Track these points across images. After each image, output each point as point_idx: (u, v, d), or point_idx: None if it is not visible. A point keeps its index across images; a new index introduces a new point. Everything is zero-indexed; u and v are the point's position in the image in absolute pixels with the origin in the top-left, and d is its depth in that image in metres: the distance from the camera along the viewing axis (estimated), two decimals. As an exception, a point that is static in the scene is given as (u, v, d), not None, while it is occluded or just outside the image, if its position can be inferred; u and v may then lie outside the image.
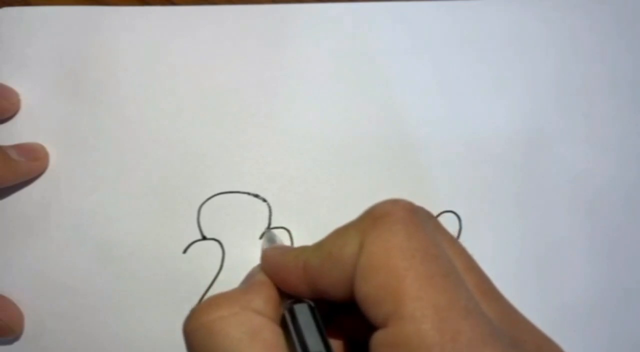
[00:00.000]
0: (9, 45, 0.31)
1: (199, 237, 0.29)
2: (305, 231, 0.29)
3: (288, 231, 0.29)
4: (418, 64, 0.32)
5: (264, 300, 0.19)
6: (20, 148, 0.29)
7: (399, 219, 0.17)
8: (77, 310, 0.28)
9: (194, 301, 0.28)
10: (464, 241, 0.29)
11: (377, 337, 0.16)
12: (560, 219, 0.30)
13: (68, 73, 0.31)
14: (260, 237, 0.29)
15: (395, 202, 0.18)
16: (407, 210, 0.18)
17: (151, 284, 0.28)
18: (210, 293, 0.28)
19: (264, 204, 0.29)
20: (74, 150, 0.30)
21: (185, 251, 0.29)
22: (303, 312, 0.19)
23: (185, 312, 0.28)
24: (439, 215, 0.29)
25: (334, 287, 0.18)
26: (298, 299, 0.20)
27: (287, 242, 0.29)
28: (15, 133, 0.30)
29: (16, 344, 0.28)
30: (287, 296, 0.20)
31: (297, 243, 0.29)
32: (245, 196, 0.29)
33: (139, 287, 0.28)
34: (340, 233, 0.19)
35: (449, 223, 0.29)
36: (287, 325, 0.19)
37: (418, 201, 0.30)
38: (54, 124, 0.30)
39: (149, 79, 0.31)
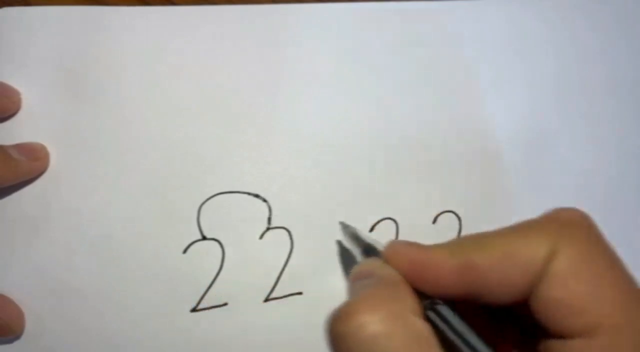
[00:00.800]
0: (9, 45, 0.31)
1: (199, 237, 0.29)
2: (305, 230, 0.29)
3: (288, 231, 0.29)
4: (418, 64, 0.32)
5: (412, 298, 0.18)
6: (21, 148, 0.29)
7: (591, 227, 0.18)
8: (77, 310, 0.28)
9: (194, 301, 0.28)
10: (464, 241, 0.29)
11: (578, 346, 0.16)
12: (560, 219, 0.30)
13: (68, 73, 0.31)
14: (261, 237, 0.29)
15: (577, 211, 0.19)
16: (589, 219, 0.18)
17: (151, 284, 0.28)
18: (211, 293, 0.28)
19: (264, 204, 0.29)
20: (74, 150, 0.30)
21: (185, 251, 0.29)
22: (451, 315, 0.18)
23: (186, 312, 0.28)
24: (439, 215, 0.29)
25: (504, 289, 0.17)
26: (433, 299, 0.19)
27: (287, 242, 0.29)
28: (15, 133, 0.30)
29: (16, 344, 0.28)
30: (420, 295, 0.19)
31: (297, 243, 0.29)
32: (245, 195, 0.29)
33: (139, 287, 0.28)
34: (519, 234, 0.18)
35: (449, 223, 0.29)
36: (438, 328, 0.18)
37: (418, 201, 0.30)
38: (54, 123, 0.30)
39: (149, 79, 0.31)
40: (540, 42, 0.32)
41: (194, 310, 0.28)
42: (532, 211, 0.31)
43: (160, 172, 0.30)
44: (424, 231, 0.29)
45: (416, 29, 0.32)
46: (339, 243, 0.28)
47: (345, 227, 0.27)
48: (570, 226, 0.18)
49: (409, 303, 0.18)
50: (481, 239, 0.18)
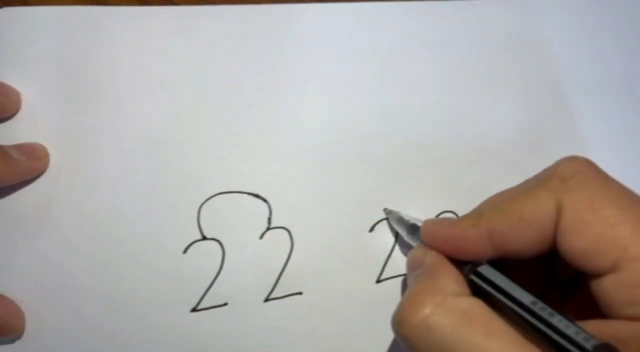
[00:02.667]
0: (9, 45, 0.31)
1: (199, 237, 0.29)
2: (305, 230, 0.29)
3: (288, 230, 0.29)
4: (418, 64, 0.32)
5: (453, 280, 0.20)
6: (21, 147, 0.29)
7: (590, 175, 0.19)
8: (77, 310, 0.28)
9: (194, 301, 0.28)
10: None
11: (608, 282, 0.18)
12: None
13: (68, 73, 0.31)
14: (261, 237, 0.29)
15: (576, 160, 0.20)
16: (591, 165, 0.20)
17: (151, 284, 0.28)
18: (211, 293, 0.28)
19: (264, 204, 0.29)
20: (74, 150, 0.30)
21: (185, 251, 0.29)
22: (492, 272, 0.20)
23: (186, 312, 0.28)
24: (439, 215, 0.29)
25: (525, 247, 0.20)
26: (474, 263, 0.21)
27: (287, 242, 0.29)
28: (15, 133, 0.30)
29: (17, 344, 0.28)
30: (459, 263, 0.21)
31: (297, 243, 0.29)
32: (245, 195, 0.29)
33: (139, 287, 0.28)
34: (528, 197, 0.20)
35: (448, 223, 0.29)
36: (481, 288, 0.20)
37: (417, 201, 0.30)
38: (54, 123, 0.30)
39: (148, 78, 0.31)
40: (540, 42, 0.32)
41: (194, 310, 0.28)
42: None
43: (160, 172, 0.30)
44: (424, 231, 0.29)
45: (416, 29, 0.32)
46: (387, 220, 0.29)
47: (389, 213, 0.29)
48: (570, 178, 0.19)
49: (449, 286, 0.20)
50: (497, 206, 0.21)
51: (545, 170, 0.20)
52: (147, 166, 0.30)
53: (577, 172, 0.19)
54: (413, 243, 0.26)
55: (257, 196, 0.29)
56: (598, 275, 0.18)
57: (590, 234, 0.18)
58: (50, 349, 0.28)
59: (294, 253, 0.29)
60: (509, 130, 0.31)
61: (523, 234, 0.19)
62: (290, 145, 0.30)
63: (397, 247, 0.29)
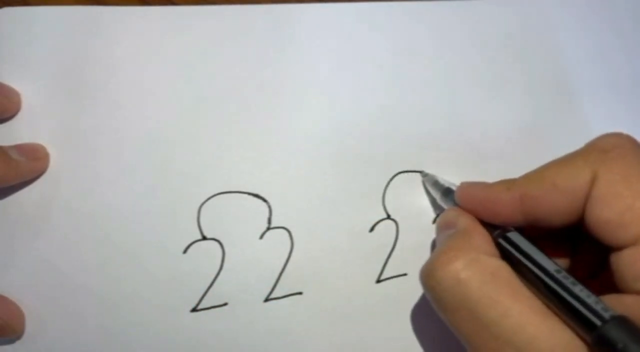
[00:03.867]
0: (9, 45, 0.31)
1: (199, 237, 0.29)
2: (306, 230, 0.29)
3: (288, 230, 0.29)
4: (418, 64, 0.32)
5: (486, 241, 0.21)
6: (21, 148, 0.29)
7: (630, 150, 0.19)
8: (77, 310, 0.28)
9: (194, 301, 0.28)
10: (464, 240, 0.29)
11: (626, 255, 0.18)
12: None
13: (68, 73, 0.31)
14: (261, 237, 0.29)
15: (618, 136, 0.20)
16: (632, 142, 0.20)
17: (151, 284, 0.28)
18: (211, 293, 0.28)
19: (264, 204, 0.29)
20: (74, 150, 0.30)
21: (185, 251, 0.29)
22: (520, 239, 0.21)
23: (186, 312, 0.28)
24: (438, 214, 0.29)
25: (555, 214, 0.20)
26: (503, 228, 0.21)
27: (287, 242, 0.29)
28: (15, 133, 0.30)
29: (17, 344, 0.28)
30: (491, 227, 0.22)
31: (297, 243, 0.29)
32: (245, 195, 0.29)
33: (139, 287, 0.28)
34: (564, 165, 0.20)
35: (449, 223, 0.29)
36: (509, 253, 0.21)
37: (418, 200, 0.30)
38: (54, 124, 0.30)
39: (148, 79, 0.31)
40: (540, 42, 0.32)
41: (194, 310, 0.28)
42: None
43: (160, 172, 0.30)
44: (424, 231, 0.29)
45: (416, 29, 0.32)
46: (423, 183, 0.30)
47: (425, 175, 0.30)
48: (609, 150, 0.19)
49: (482, 246, 0.20)
50: (533, 173, 0.21)
51: (586, 144, 0.21)
52: (147, 166, 0.30)
53: (617, 145, 0.20)
54: (446, 206, 0.26)
55: (257, 196, 0.29)
56: (619, 248, 0.18)
57: (619, 206, 0.18)
58: (50, 349, 0.28)
59: (294, 253, 0.29)
60: (510, 130, 0.31)
61: (554, 200, 0.20)
62: (291, 145, 0.30)
63: (397, 247, 0.29)
